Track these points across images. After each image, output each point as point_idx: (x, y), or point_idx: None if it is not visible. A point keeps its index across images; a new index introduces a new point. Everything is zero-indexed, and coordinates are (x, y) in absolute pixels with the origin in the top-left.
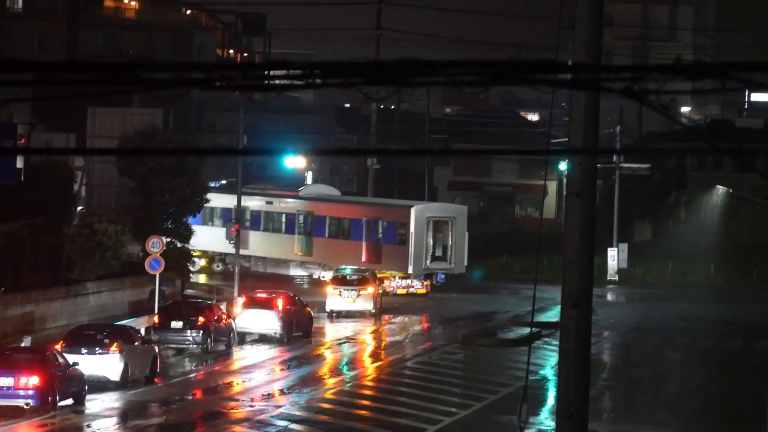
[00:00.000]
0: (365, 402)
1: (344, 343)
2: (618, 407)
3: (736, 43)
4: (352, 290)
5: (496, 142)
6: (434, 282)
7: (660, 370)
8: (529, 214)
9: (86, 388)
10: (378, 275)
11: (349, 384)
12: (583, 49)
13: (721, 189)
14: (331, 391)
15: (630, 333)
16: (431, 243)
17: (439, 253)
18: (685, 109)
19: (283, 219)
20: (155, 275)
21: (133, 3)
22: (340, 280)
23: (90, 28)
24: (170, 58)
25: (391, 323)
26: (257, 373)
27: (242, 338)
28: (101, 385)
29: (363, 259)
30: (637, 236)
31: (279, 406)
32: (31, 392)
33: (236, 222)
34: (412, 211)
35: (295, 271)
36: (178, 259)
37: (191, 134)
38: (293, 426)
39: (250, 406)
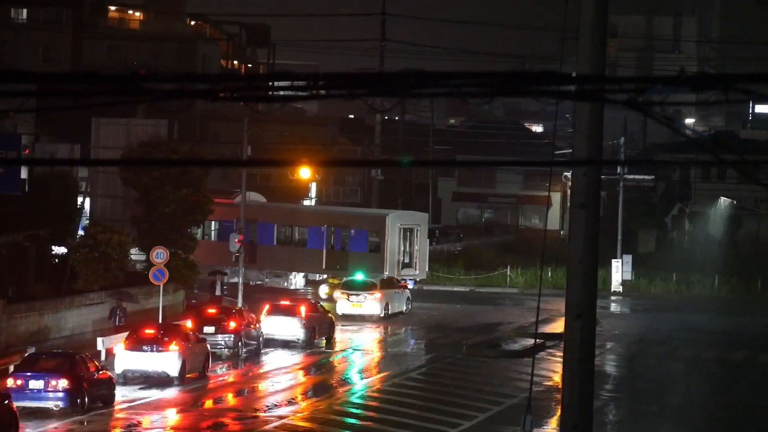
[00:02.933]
0: (369, 413)
1: (352, 352)
2: (622, 419)
3: (740, 54)
4: (359, 295)
5: (500, 153)
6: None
7: (664, 382)
8: (533, 225)
9: (115, 390)
10: (337, 282)
11: (355, 395)
12: (587, 61)
13: (725, 200)
14: (338, 401)
15: (634, 344)
16: (402, 250)
17: (406, 260)
18: (689, 121)
19: (218, 227)
20: (159, 285)
21: (137, 14)
22: (349, 286)
23: (94, 39)
24: (175, 68)
25: (396, 333)
26: (282, 378)
27: (266, 343)
28: (161, 381)
29: (323, 266)
30: (641, 247)
31: (283, 417)
32: (60, 395)
33: (240, 233)
34: (388, 219)
35: (262, 280)
36: (183, 270)
37: (195, 145)
38: None
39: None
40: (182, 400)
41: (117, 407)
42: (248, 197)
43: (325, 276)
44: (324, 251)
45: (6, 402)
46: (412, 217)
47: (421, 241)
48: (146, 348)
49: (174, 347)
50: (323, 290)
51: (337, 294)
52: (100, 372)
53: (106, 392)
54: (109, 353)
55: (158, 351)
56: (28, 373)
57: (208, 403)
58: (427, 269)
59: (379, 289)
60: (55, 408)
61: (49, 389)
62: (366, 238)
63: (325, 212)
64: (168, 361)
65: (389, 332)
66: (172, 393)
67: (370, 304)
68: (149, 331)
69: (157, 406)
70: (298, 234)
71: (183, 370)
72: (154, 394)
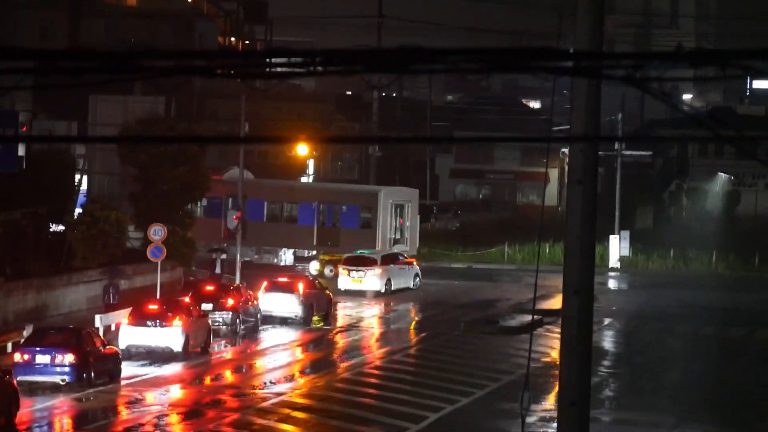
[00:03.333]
0: (368, 390)
1: (350, 328)
2: (620, 395)
3: (738, 30)
4: (359, 270)
5: (498, 129)
6: None
7: (662, 358)
8: (531, 201)
9: (121, 365)
10: (328, 258)
11: (353, 371)
12: (585, 37)
13: (722, 176)
14: (338, 377)
15: (632, 320)
16: (393, 226)
17: (397, 236)
18: (686, 97)
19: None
20: (157, 263)
21: None
22: (352, 261)
23: (91, 17)
24: (172, 46)
25: (394, 310)
26: (280, 355)
27: (264, 320)
28: (165, 356)
29: (314, 243)
30: (638, 224)
31: (281, 393)
32: (67, 369)
33: (238, 210)
34: (381, 195)
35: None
36: (180, 247)
37: (193, 122)
38: (293, 413)
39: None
40: (187, 375)
41: (123, 382)
42: (235, 174)
43: (314, 252)
44: (315, 227)
45: (7, 378)
46: (403, 194)
47: (411, 216)
48: (150, 323)
49: (177, 322)
50: (314, 266)
51: (341, 269)
52: (106, 347)
53: (112, 367)
54: (107, 330)
55: (162, 326)
56: (35, 348)
57: (216, 378)
58: (417, 245)
59: (380, 265)
60: (61, 382)
61: (56, 364)
62: (358, 214)
63: (316, 188)
64: (172, 336)
65: (388, 308)
66: (176, 368)
67: (370, 279)
68: (152, 307)
69: (163, 381)
70: (289, 210)
71: (186, 345)
72: (158, 370)
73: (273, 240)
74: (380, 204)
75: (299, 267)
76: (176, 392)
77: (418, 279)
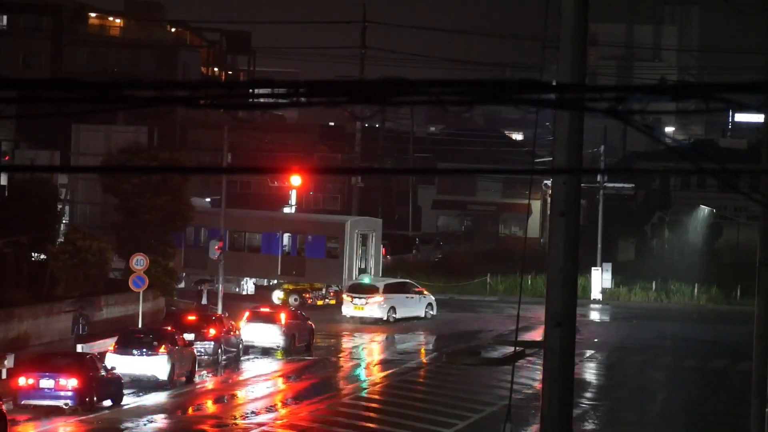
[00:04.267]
0: (349, 420)
1: (332, 360)
2: (602, 427)
3: (720, 63)
4: (361, 298)
5: (481, 161)
6: None
7: (644, 390)
8: (514, 233)
9: (123, 389)
10: (292, 288)
11: (334, 402)
12: (568, 69)
13: (704, 209)
14: (319, 408)
15: (614, 352)
16: (359, 256)
17: (362, 265)
18: (669, 129)
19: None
20: (139, 293)
21: (117, 21)
22: (355, 288)
23: (75, 46)
24: (155, 75)
25: (374, 341)
26: (262, 385)
27: (246, 350)
28: (151, 384)
29: (278, 272)
30: (621, 256)
31: (262, 424)
32: (70, 393)
33: (220, 240)
34: (347, 225)
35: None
36: (162, 277)
37: (175, 152)
38: None
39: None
40: (172, 404)
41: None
42: (194, 203)
43: (275, 281)
44: (279, 257)
45: None
46: (368, 223)
47: (375, 246)
48: (136, 352)
49: (163, 351)
50: (276, 295)
51: (345, 297)
52: (109, 372)
53: (115, 391)
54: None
55: (148, 355)
56: (39, 373)
57: (198, 408)
58: (380, 274)
59: (382, 293)
60: (64, 406)
61: (59, 388)
62: (324, 244)
63: (280, 218)
64: (158, 364)
65: (373, 338)
66: (161, 397)
67: (372, 307)
68: (139, 335)
69: (146, 409)
70: (251, 240)
71: (172, 373)
72: (142, 399)
73: (235, 269)
74: (347, 234)
75: (278, 299)
76: (160, 421)
77: (431, 308)
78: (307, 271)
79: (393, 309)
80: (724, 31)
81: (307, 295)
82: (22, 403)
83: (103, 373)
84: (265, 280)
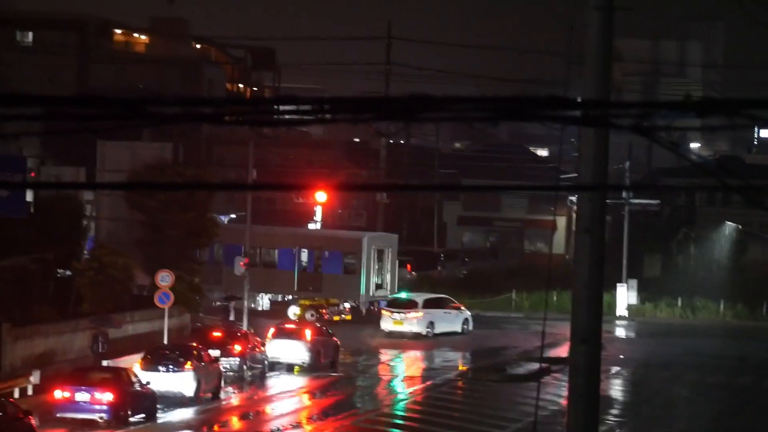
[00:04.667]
0: None
1: (358, 376)
2: None
3: (746, 78)
4: (400, 313)
5: (506, 177)
6: (376, 309)
7: (669, 407)
8: (539, 249)
9: (157, 404)
10: (310, 303)
11: (360, 419)
12: (593, 85)
13: (730, 225)
14: (344, 425)
15: (639, 369)
16: (375, 271)
17: (379, 281)
18: (694, 146)
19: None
20: (164, 309)
21: (143, 37)
22: (394, 303)
23: (100, 62)
24: (180, 92)
25: (399, 357)
26: (287, 402)
27: (272, 367)
28: (177, 401)
29: (295, 288)
30: (646, 272)
31: None
32: (105, 407)
33: (246, 256)
34: (364, 241)
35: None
36: (187, 293)
37: (201, 168)
38: None
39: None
40: (198, 421)
41: (154, 422)
42: None
43: (289, 297)
44: (296, 272)
45: (27, 417)
46: (384, 239)
47: (392, 261)
48: (162, 368)
49: (190, 367)
50: (292, 311)
51: (384, 312)
52: (143, 387)
53: (149, 405)
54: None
55: (174, 371)
56: (75, 386)
57: (224, 424)
58: (396, 289)
59: (421, 308)
60: (99, 420)
61: (95, 402)
62: (341, 259)
63: (296, 234)
64: (184, 381)
65: (407, 354)
66: (189, 413)
67: (411, 322)
68: (165, 352)
69: (180, 425)
70: (267, 255)
71: (198, 390)
72: (168, 415)
73: (252, 285)
74: (364, 249)
75: (297, 316)
76: None
77: (467, 324)
78: (324, 287)
79: (432, 324)
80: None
81: (324, 311)
82: (58, 416)
83: (137, 387)
84: (280, 295)
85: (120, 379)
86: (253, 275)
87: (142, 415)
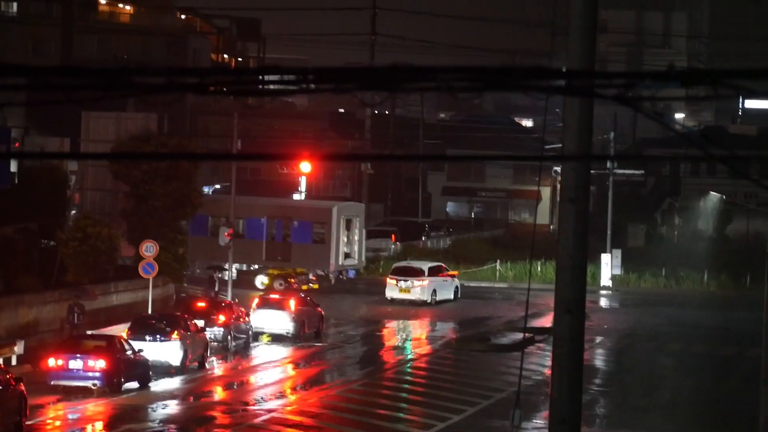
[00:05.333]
0: (359, 407)
1: (342, 346)
2: (611, 413)
3: (730, 50)
4: (407, 281)
5: (490, 147)
6: (344, 278)
7: (653, 376)
8: (523, 219)
9: (150, 372)
10: (277, 273)
11: (343, 388)
12: (577, 56)
13: (714, 195)
14: (328, 394)
15: (623, 339)
16: (344, 241)
17: (348, 250)
18: (678, 116)
19: None
20: (148, 279)
21: (127, 8)
22: (400, 271)
23: (84, 33)
24: (165, 62)
25: (387, 327)
26: (272, 372)
27: (255, 337)
28: (163, 370)
29: (263, 258)
30: (630, 242)
31: (271, 411)
32: (98, 374)
33: (230, 227)
34: (334, 211)
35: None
36: (172, 264)
37: (185, 139)
38: (285, 430)
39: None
40: (187, 389)
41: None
42: None
43: (255, 266)
44: (264, 243)
45: (18, 385)
46: (352, 209)
47: (359, 231)
48: (149, 337)
49: (176, 337)
50: (260, 280)
51: (389, 279)
52: (136, 354)
53: (142, 373)
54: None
55: (161, 340)
56: (68, 354)
57: (209, 394)
58: (363, 259)
59: (427, 276)
60: (92, 387)
61: (88, 369)
62: (311, 229)
63: (266, 204)
64: (171, 350)
65: (379, 325)
66: (176, 382)
67: (418, 289)
68: (152, 321)
69: (168, 394)
70: (235, 226)
71: (185, 359)
72: (155, 384)
73: (218, 255)
74: (333, 219)
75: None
76: (172, 407)
77: (458, 291)
78: (293, 256)
79: (435, 292)
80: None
81: (292, 280)
82: (52, 383)
83: (130, 355)
84: (245, 265)
85: (113, 347)
86: (207, 243)
87: (135, 383)
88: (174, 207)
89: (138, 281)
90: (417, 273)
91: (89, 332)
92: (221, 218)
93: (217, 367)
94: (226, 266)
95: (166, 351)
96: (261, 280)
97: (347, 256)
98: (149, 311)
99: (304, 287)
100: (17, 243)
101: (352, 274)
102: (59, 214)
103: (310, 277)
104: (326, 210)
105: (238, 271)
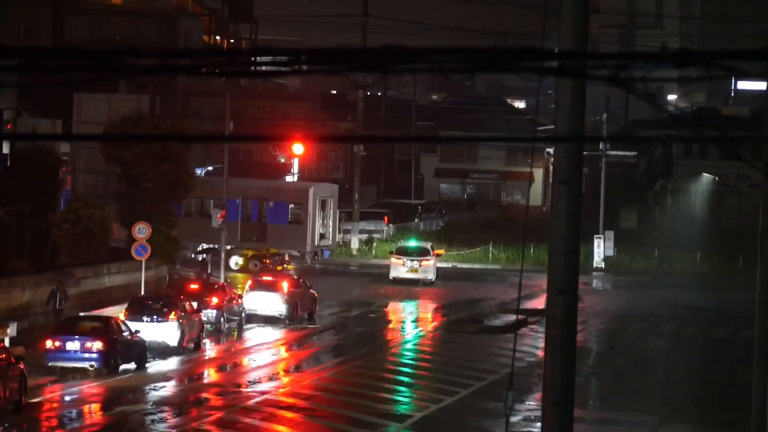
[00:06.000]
0: (352, 389)
1: (335, 328)
2: (604, 394)
3: (722, 31)
4: (414, 260)
5: (483, 129)
6: (320, 258)
7: (646, 358)
8: (516, 201)
9: (147, 353)
10: (252, 253)
11: (337, 370)
12: (570, 37)
13: (707, 177)
14: (322, 376)
15: (616, 320)
16: (320, 222)
17: (323, 231)
18: (671, 97)
19: None
20: (141, 261)
21: None
22: (404, 251)
23: (76, 14)
24: (156, 44)
25: (380, 308)
26: (265, 353)
27: (249, 319)
28: (160, 350)
29: (238, 238)
30: (623, 224)
31: (264, 393)
32: (95, 355)
33: (223, 209)
34: (311, 191)
35: None
36: (164, 246)
37: (177, 120)
38: (278, 411)
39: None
40: (186, 369)
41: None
42: None
43: (229, 247)
44: (239, 223)
45: (19, 363)
46: (327, 189)
47: (333, 212)
48: (146, 318)
49: (173, 317)
50: (234, 261)
51: (393, 259)
52: (132, 335)
53: (139, 354)
54: None
55: (158, 321)
56: (66, 335)
57: (219, 372)
58: (337, 239)
59: (432, 255)
60: (90, 368)
61: (85, 350)
62: (287, 210)
63: (241, 186)
64: (168, 330)
65: (371, 307)
66: (174, 362)
67: (425, 268)
68: (149, 302)
69: (168, 374)
70: (208, 206)
71: (182, 340)
72: (154, 364)
73: (193, 236)
74: (310, 200)
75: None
76: (167, 389)
77: (436, 272)
78: (269, 237)
79: (436, 270)
80: None
81: (267, 261)
82: (49, 364)
83: (127, 336)
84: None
85: (110, 328)
86: (194, 225)
87: (132, 364)
88: (166, 189)
89: (131, 263)
90: (424, 252)
91: (82, 314)
92: (208, 200)
93: (210, 348)
94: (216, 247)
95: (163, 331)
96: (235, 261)
97: (322, 236)
98: (142, 293)
99: (279, 268)
100: (9, 225)
101: (326, 254)
102: (51, 197)
103: (285, 257)
104: (303, 191)
105: (212, 251)
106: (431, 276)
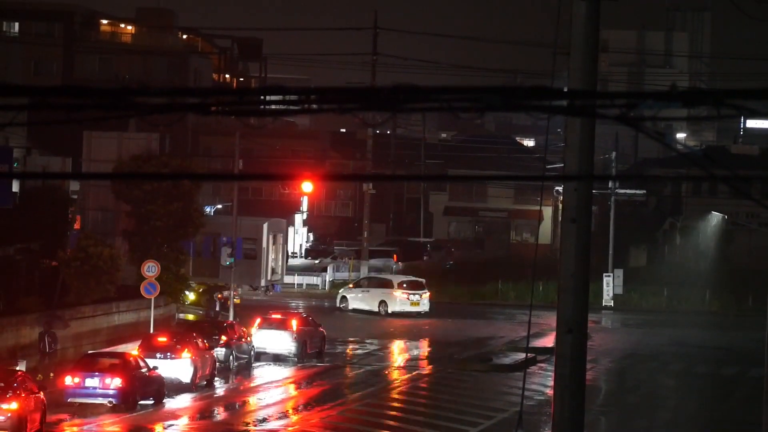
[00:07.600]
0: (361, 427)
1: (345, 366)
2: None
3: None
4: (416, 294)
5: (492, 167)
6: (271, 293)
7: (655, 396)
8: (525, 239)
9: (165, 389)
10: (207, 287)
11: (346, 409)
12: (579, 76)
13: (716, 215)
14: (330, 415)
15: (625, 359)
16: (272, 257)
17: (274, 265)
18: (680, 136)
19: None
20: (150, 299)
21: (129, 27)
22: (408, 285)
23: (86, 53)
24: (166, 82)
25: (387, 348)
26: (276, 391)
27: (258, 357)
28: (173, 387)
29: (189, 273)
30: (632, 262)
31: (274, 431)
32: (113, 392)
33: (232, 247)
34: (265, 227)
35: None
36: (173, 284)
37: (187, 159)
38: None
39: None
40: (202, 406)
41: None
42: None
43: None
44: (191, 259)
45: (40, 393)
46: (278, 225)
47: (283, 247)
48: (160, 355)
49: (187, 354)
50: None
51: (397, 293)
52: (150, 371)
53: (157, 390)
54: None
55: (171, 358)
56: (85, 372)
57: (233, 409)
58: (285, 273)
59: (427, 289)
60: (108, 404)
61: (104, 387)
62: (241, 245)
63: None
64: (181, 367)
65: (379, 345)
66: (187, 400)
67: (425, 302)
68: (162, 339)
69: (180, 412)
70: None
71: (195, 377)
72: (171, 401)
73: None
74: (264, 236)
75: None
76: (179, 427)
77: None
78: (222, 272)
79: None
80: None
81: (220, 296)
82: (69, 401)
83: (145, 372)
84: None
85: (128, 365)
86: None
87: (151, 400)
88: (176, 227)
89: (140, 301)
90: (420, 286)
91: (102, 350)
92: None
93: (220, 386)
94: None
95: (176, 368)
96: (189, 296)
97: (273, 271)
98: (151, 331)
99: (237, 301)
100: (19, 263)
101: (278, 289)
102: (61, 234)
103: (232, 292)
104: (257, 226)
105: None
106: (427, 308)
